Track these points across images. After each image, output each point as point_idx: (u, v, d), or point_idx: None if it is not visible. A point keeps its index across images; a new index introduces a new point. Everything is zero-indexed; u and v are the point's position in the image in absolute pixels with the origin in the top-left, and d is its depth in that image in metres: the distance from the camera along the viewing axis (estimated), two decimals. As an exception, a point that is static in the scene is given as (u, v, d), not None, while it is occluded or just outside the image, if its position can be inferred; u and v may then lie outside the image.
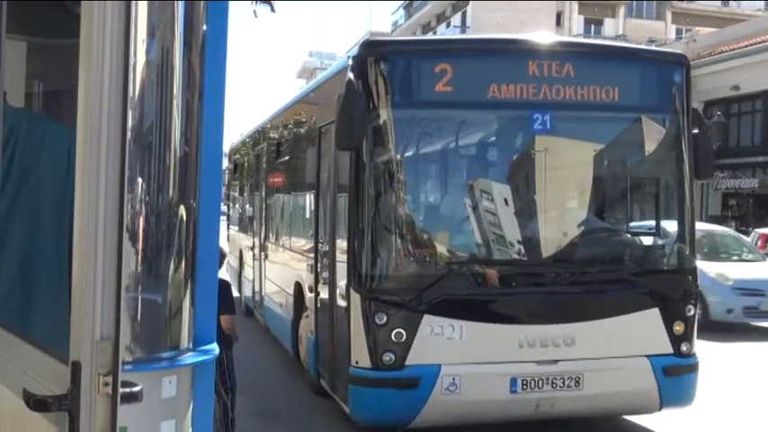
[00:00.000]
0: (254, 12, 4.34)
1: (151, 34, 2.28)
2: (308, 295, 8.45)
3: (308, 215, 9.06)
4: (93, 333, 1.80)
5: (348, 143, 6.47)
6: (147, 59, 2.26)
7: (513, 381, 6.51)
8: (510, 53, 7.16)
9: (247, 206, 14.80)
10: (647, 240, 7.59)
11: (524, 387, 6.54)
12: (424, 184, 7.39)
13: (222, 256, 8.53)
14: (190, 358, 2.41)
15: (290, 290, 9.48)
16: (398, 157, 6.73)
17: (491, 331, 6.56)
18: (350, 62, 6.77)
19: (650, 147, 7.47)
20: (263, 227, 12.46)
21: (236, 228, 16.32)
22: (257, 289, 12.62)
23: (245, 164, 15.56)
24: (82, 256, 1.84)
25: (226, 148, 19.31)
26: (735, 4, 50.50)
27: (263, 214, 12.52)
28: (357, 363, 6.52)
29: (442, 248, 6.91)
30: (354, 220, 6.69)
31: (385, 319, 6.38)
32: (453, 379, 6.37)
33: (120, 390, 1.82)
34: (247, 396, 8.05)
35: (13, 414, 2.11)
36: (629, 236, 7.75)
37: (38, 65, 2.74)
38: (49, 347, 2.06)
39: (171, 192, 2.34)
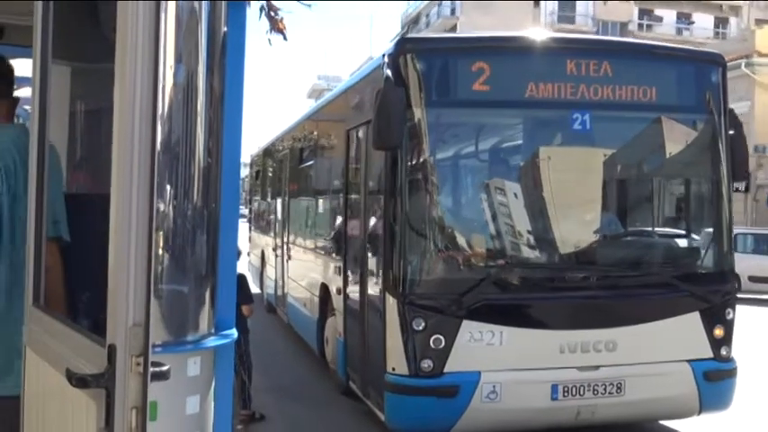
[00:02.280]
0: (269, 40, 4.33)
1: (178, 60, 2.28)
2: (336, 297, 7.53)
3: (334, 217, 8.16)
4: (126, 320, 1.81)
5: (387, 143, 5.61)
6: (174, 82, 2.26)
7: (554, 388, 5.70)
8: (547, 52, 6.24)
9: (269, 209, 13.84)
10: (687, 243, 6.75)
11: (565, 394, 5.72)
12: (463, 186, 6.43)
13: (238, 253, 8.54)
14: (212, 341, 2.42)
15: (316, 291, 8.57)
16: (437, 157, 5.92)
17: (532, 337, 5.74)
18: (385, 60, 5.87)
19: (688, 148, 6.60)
20: (286, 229, 11.42)
21: (258, 230, 15.33)
22: (280, 288, 11.63)
23: (268, 170, 14.57)
24: (117, 253, 1.84)
25: (246, 158, 19.22)
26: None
27: (287, 217, 11.53)
28: (394, 369, 5.66)
29: (481, 252, 6.00)
30: (390, 223, 5.82)
31: (423, 324, 5.53)
32: (493, 386, 5.55)
33: (151, 369, 1.82)
34: (266, 383, 8.05)
35: (59, 390, 2.11)
36: (668, 238, 6.85)
37: (79, 86, 2.75)
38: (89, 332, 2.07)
39: (195, 197, 2.35)
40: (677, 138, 6.53)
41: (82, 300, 2.52)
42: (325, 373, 8.30)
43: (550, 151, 6.31)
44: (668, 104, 6.39)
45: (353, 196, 7.18)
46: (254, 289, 10.88)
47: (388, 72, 5.68)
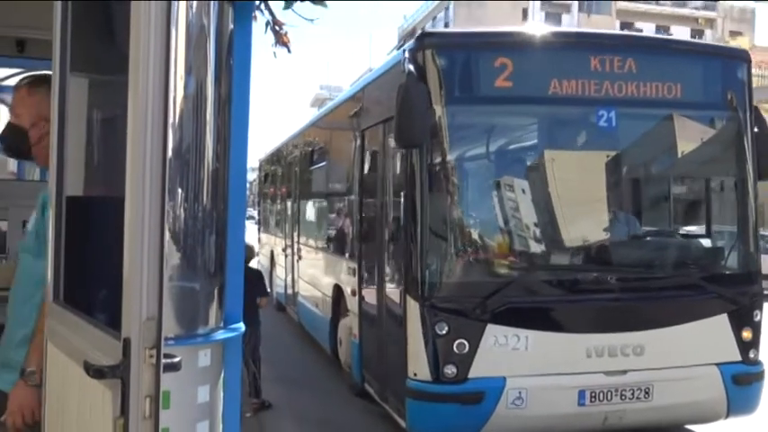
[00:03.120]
0: (274, 53, 4.34)
1: (188, 71, 2.29)
2: (351, 298, 7.05)
3: (347, 218, 7.63)
4: (140, 314, 1.81)
5: (410, 140, 5.13)
6: (184, 92, 2.27)
7: (581, 393, 5.23)
8: (570, 47, 5.75)
9: (279, 211, 13.30)
10: (714, 243, 6.19)
11: (593, 399, 5.25)
12: (487, 186, 5.77)
13: (252, 253, 8.65)
14: (221, 335, 2.43)
15: (329, 291, 8.07)
16: (460, 155, 5.43)
17: (558, 341, 5.25)
18: (406, 55, 5.38)
19: (714, 145, 6.03)
20: (297, 230, 10.89)
21: (268, 231, 14.82)
22: (290, 287, 11.12)
23: (277, 173, 13.93)
24: (131, 252, 1.85)
25: (253, 163, 19.14)
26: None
27: (297, 218, 10.97)
28: (415, 375, 5.19)
29: (506, 254, 5.46)
30: (412, 223, 5.30)
31: (446, 328, 5.06)
32: (519, 392, 5.09)
33: (163, 361, 1.82)
34: (274, 374, 8.02)
35: (78, 381, 2.11)
36: (695, 239, 6.26)
37: (96, 97, 2.74)
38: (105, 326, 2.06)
39: (205, 199, 2.36)
40: (704, 136, 6.01)
41: (99, 296, 2.52)
42: (330, 364, 8.23)
43: (574, 150, 5.89)
44: (694, 101, 5.87)
45: (369, 197, 6.74)
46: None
47: (410, 67, 5.22)
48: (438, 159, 5.23)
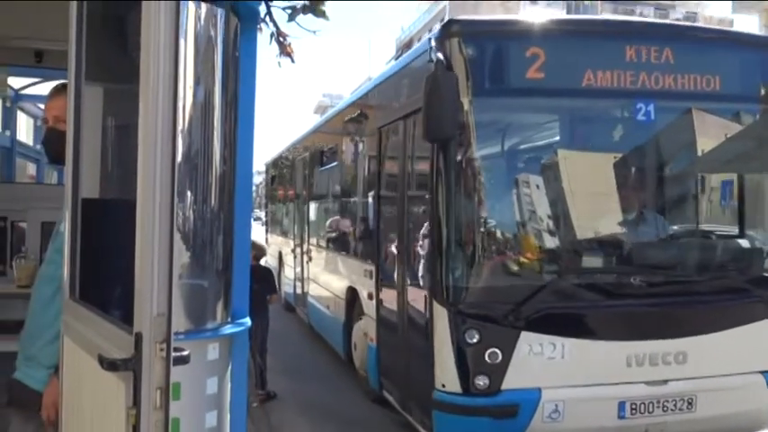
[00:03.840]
0: (279, 63, 4.34)
1: (196, 80, 2.30)
2: (367, 302, 6.46)
3: (363, 220, 7.02)
4: (151, 310, 1.82)
5: (440, 133, 4.57)
6: (193, 101, 2.28)
7: (622, 405, 4.65)
8: (605, 36, 5.16)
9: (287, 213, 12.63)
10: (757, 244, 5.52)
11: (633, 412, 4.67)
12: (521, 183, 5.06)
13: (262, 252, 8.68)
14: (228, 329, 2.44)
15: (342, 294, 7.51)
16: (492, 150, 4.91)
17: (596, 349, 4.66)
18: (432, 44, 4.86)
19: (756, 140, 5.42)
20: (306, 231, 10.26)
21: (275, 232, 14.14)
22: (299, 288, 10.52)
23: (285, 175, 13.11)
24: (142, 251, 1.86)
25: (258, 166, 19.11)
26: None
27: (307, 219, 10.32)
28: (444, 386, 4.60)
29: (541, 257, 4.82)
30: (438, 224, 4.70)
31: (477, 337, 4.49)
32: (556, 405, 4.52)
33: (173, 354, 1.83)
34: (280, 367, 7.99)
35: (92, 373, 2.12)
36: (738, 240, 5.57)
37: (109, 104, 2.74)
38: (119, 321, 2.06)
39: (213, 201, 2.37)
40: (744, 130, 5.39)
41: (113, 293, 2.52)
42: (338, 361, 8.11)
43: (613, 147, 5.25)
44: (735, 94, 5.27)
45: (387, 197, 6.14)
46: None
47: (439, 56, 4.66)
48: (467, 155, 4.65)
